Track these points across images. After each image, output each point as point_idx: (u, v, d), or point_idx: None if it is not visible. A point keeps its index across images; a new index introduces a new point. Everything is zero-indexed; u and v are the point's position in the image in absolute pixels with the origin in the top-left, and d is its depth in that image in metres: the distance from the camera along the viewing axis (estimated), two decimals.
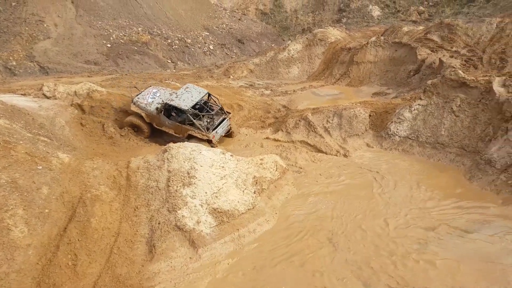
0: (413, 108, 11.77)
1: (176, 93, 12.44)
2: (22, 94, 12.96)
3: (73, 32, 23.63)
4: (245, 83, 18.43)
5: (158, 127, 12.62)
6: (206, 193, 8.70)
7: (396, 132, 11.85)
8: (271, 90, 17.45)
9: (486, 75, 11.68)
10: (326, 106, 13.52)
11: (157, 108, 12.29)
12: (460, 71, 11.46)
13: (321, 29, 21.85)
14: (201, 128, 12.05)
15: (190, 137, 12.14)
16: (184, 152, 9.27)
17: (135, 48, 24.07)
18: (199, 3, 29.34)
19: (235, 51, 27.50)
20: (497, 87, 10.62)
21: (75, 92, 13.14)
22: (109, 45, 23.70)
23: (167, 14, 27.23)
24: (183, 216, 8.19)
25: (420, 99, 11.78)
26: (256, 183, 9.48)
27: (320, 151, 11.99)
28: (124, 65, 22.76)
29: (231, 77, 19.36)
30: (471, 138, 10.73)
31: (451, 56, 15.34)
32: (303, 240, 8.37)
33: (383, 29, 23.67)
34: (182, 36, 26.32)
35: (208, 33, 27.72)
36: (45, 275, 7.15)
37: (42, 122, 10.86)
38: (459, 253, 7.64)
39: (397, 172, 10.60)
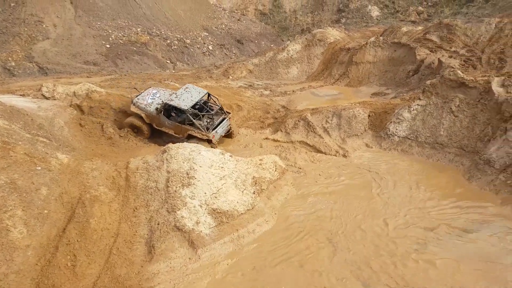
0: (412, 108, 11.78)
1: (175, 93, 12.45)
2: (21, 95, 12.92)
3: (72, 33, 23.61)
4: (244, 84, 18.42)
5: (158, 128, 12.62)
6: (205, 193, 8.69)
7: (395, 132, 11.86)
8: (270, 90, 17.44)
9: (485, 75, 11.70)
10: (325, 107, 13.52)
11: (157, 109, 12.29)
12: (459, 71, 11.47)
13: (320, 30, 21.87)
14: (201, 128, 12.05)
15: (190, 137, 12.14)
16: (183, 153, 9.26)
17: (134, 48, 24.05)
18: (198, 3, 29.35)
19: (234, 52, 27.50)
20: (496, 87, 10.63)
21: (74, 92, 13.12)
22: (108, 46, 23.69)
23: (166, 15, 27.23)
24: (182, 216, 8.19)
25: (419, 99, 11.78)
26: (256, 183, 9.47)
27: (319, 151, 11.98)
28: (123, 66, 22.74)
29: (230, 77, 19.35)
30: (470, 138, 10.74)
31: (450, 56, 15.35)
32: (303, 240, 8.37)
33: (382, 29, 23.70)
34: (181, 36, 26.32)
35: (207, 34, 27.72)
36: (44, 276, 7.13)
37: (41, 123, 10.83)
38: (458, 253, 7.66)
39: (396, 172, 10.61)
